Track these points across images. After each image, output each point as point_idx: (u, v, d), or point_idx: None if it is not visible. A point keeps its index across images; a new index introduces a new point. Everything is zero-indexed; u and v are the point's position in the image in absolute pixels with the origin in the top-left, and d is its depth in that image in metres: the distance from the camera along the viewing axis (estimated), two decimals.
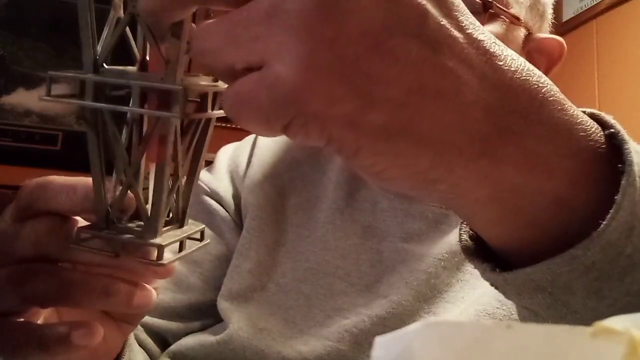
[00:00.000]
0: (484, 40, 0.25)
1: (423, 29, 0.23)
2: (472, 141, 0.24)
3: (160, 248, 0.32)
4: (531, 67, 0.27)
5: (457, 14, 0.25)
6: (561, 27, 2.20)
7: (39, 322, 0.38)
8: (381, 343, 0.18)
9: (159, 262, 0.32)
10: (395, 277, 0.59)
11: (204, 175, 0.70)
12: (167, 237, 0.33)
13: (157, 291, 0.39)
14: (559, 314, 0.29)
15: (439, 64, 0.24)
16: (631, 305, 0.29)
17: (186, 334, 0.64)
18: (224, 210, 0.68)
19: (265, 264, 0.63)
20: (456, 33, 0.24)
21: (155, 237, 0.32)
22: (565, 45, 0.69)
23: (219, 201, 0.69)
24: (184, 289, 0.66)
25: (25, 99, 2.29)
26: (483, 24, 0.59)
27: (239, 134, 0.75)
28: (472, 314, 0.55)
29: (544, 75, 0.27)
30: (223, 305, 0.62)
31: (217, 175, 0.71)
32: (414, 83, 0.23)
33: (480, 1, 0.60)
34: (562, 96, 0.27)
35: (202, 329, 0.65)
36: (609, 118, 0.29)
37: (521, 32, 0.65)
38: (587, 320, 0.27)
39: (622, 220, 0.26)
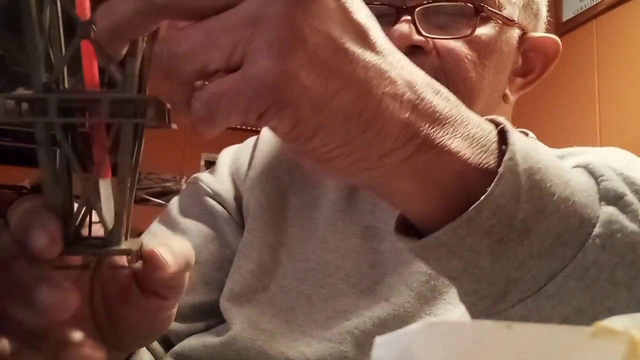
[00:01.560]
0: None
1: (367, 38, 0.30)
2: (405, 131, 0.31)
3: (133, 252, 0.34)
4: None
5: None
6: (561, 27, 2.21)
7: None
8: (381, 343, 0.18)
9: (136, 264, 0.34)
10: (395, 279, 0.60)
11: (206, 176, 0.71)
12: (131, 244, 0.34)
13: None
14: (475, 278, 0.34)
15: (381, 63, 0.31)
16: (536, 268, 0.33)
17: (190, 334, 0.64)
18: (225, 211, 0.69)
19: (266, 264, 0.64)
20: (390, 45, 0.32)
21: (120, 245, 0.34)
22: (560, 44, 0.69)
23: (221, 202, 0.69)
24: (187, 290, 0.65)
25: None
26: (475, 27, 0.61)
27: (240, 135, 0.75)
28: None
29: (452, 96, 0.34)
30: (225, 305, 0.62)
31: (218, 177, 0.71)
32: (364, 77, 0.30)
33: (471, 5, 0.61)
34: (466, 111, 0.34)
35: (205, 329, 0.65)
36: (501, 119, 0.35)
37: (515, 33, 0.66)
38: (501, 284, 0.34)
39: (506, 188, 0.31)
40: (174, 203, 0.71)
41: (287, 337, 0.59)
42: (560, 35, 2.35)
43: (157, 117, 0.31)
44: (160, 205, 2.46)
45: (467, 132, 0.33)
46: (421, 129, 0.31)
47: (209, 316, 0.65)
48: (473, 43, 0.61)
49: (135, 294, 0.39)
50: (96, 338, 0.39)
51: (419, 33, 0.61)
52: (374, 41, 0.31)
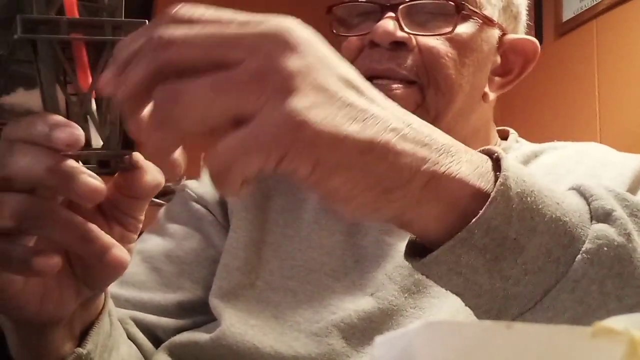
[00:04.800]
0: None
1: (356, 84, 0.34)
2: (416, 159, 0.34)
3: (129, 153, 0.40)
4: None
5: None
6: (561, 27, 2.21)
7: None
8: (382, 342, 0.18)
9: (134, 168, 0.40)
10: (379, 273, 0.62)
11: (192, 183, 0.74)
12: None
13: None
14: (475, 293, 0.37)
15: (374, 105, 0.34)
16: (532, 284, 0.35)
17: (177, 330, 0.66)
18: (211, 214, 0.71)
19: (252, 262, 0.66)
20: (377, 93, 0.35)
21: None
22: (539, 45, 0.71)
23: (206, 206, 0.72)
24: (174, 288, 0.68)
25: (25, 99, 2.29)
26: (456, 25, 0.63)
27: None
28: (459, 312, 0.56)
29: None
30: (214, 303, 0.64)
31: (204, 182, 0.74)
32: (368, 112, 0.33)
33: (452, 3, 0.63)
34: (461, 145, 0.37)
35: (192, 327, 0.67)
36: (496, 149, 0.38)
37: (495, 33, 0.68)
38: (500, 299, 0.36)
39: (498, 210, 0.34)
40: (163, 211, 0.74)
41: (275, 331, 0.60)
42: (560, 35, 2.35)
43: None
44: (160, 205, 2.46)
45: (469, 158, 0.36)
46: (430, 156, 0.34)
47: (195, 313, 0.67)
48: (454, 41, 0.64)
49: (101, 223, 0.43)
50: (67, 270, 0.43)
51: (402, 30, 0.63)
52: (362, 87, 0.34)
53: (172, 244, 0.70)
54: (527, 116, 2.22)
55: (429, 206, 0.35)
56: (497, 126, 0.78)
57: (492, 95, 0.69)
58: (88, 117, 0.40)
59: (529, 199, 0.35)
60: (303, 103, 0.31)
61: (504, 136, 0.78)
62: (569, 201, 0.38)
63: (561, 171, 0.66)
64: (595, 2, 2.07)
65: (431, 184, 0.34)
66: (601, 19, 2.06)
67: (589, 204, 0.38)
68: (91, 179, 0.37)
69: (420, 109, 0.64)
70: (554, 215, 0.36)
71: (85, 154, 0.39)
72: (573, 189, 0.40)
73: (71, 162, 0.38)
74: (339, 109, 0.32)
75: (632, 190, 0.61)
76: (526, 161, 0.69)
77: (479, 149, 0.38)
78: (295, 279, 0.64)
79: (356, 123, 0.32)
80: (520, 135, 0.79)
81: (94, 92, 0.40)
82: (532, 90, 2.18)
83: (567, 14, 2.19)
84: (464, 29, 0.64)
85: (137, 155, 0.41)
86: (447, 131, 0.66)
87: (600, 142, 0.73)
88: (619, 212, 0.37)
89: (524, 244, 0.35)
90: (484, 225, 0.34)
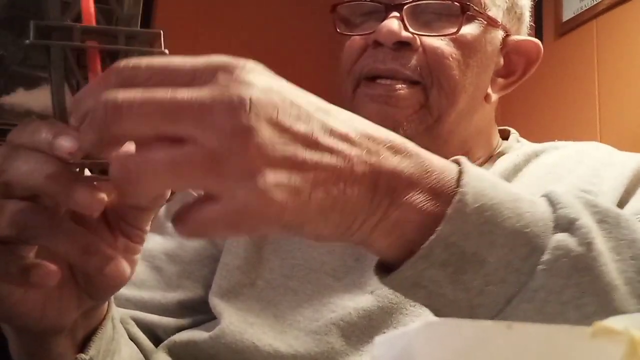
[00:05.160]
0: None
1: (314, 139, 0.34)
2: (371, 205, 0.35)
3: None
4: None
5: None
6: (561, 27, 2.20)
7: None
8: (381, 342, 0.18)
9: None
10: None
11: None
12: None
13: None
14: (442, 304, 0.38)
15: (334, 161, 0.34)
16: (494, 294, 0.37)
17: (177, 329, 0.66)
18: None
19: (252, 260, 0.66)
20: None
21: None
22: (542, 47, 0.71)
23: None
24: (174, 287, 0.68)
25: (25, 99, 2.29)
26: (461, 25, 0.63)
27: None
28: None
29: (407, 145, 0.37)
30: (214, 301, 0.64)
31: None
32: (324, 176, 0.34)
33: (458, 4, 0.63)
34: (418, 154, 0.37)
35: (192, 325, 0.67)
36: (463, 160, 0.39)
37: (499, 34, 0.68)
38: (465, 309, 0.37)
39: (455, 227, 0.35)
40: (162, 209, 0.74)
41: (275, 330, 0.61)
42: (560, 36, 2.35)
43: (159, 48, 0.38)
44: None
45: (428, 184, 0.37)
46: (384, 199, 0.36)
47: (196, 312, 0.68)
48: (458, 42, 0.64)
49: (106, 234, 0.43)
50: (69, 279, 0.43)
51: (406, 30, 0.63)
52: (322, 140, 0.34)
53: (172, 243, 0.70)
54: (527, 116, 2.22)
55: (380, 238, 0.37)
56: (497, 126, 0.78)
57: (494, 96, 0.70)
58: None
59: (487, 213, 0.36)
60: (263, 181, 0.32)
61: (504, 136, 0.78)
62: (534, 210, 0.38)
63: (562, 171, 0.66)
64: (595, 2, 2.07)
65: (382, 221, 0.36)
66: (601, 19, 2.06)
67: (555, 212, 0.39)
68: (91, 189, 0.37)
69: (424, 110, 0.64)
70: (514, 228, 0.37)
71: (88, 163, 0.39)
72: (544, 195, 0.41)
73: (72, 171, 0.38)
74: (299, 179, 0.33)
75: (630, 189, 0.61)
76: (527, 160, 0.70)
77: (450, 159, 0.39)
78: (296, 278, 0.64)
79: (316, 191, 0.33)
80: (521, 135, 0.79)
81: None
82: (532, 90, 2.18)
83: (567, 14, 2.19)
84: (469, 30, 0.64)
85: None
86: (450, 131, 0.68)
87: (601, 142, 0.73)
88: (583, 221, 0.38)
89: (484, 257, 0.36)
90: (442, 242, 0.36)
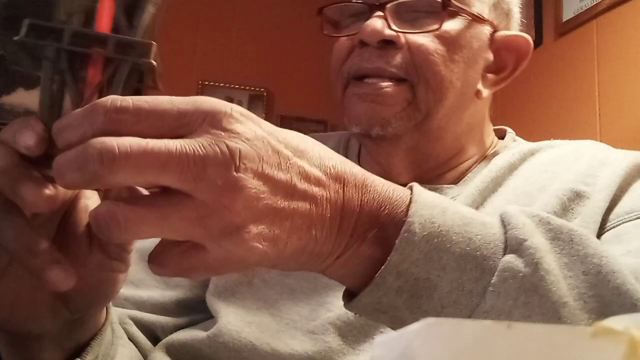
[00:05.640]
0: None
1: (295, 191, 0.35)
2: (332, 251, 0.38)
3: None
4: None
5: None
6: (561, 27, 2.20)
7: None
8: (381, 343, 0.18)
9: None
10: None
11: None
12: None
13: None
14: (402, 327, 0.36)
15: (307, 208, 0.36)
16: (450, 316, 0.38)
17: (175, 328, 0.66)
18: None
19: None
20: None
21: None
22: (531, 42, 0.71)
23: None
24: (172, 286, 0.69)
25: (25, 99, 2.29)
26: (443, 21, 0.64)
27: None
28: None
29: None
30: (211, 300, 0.65)
31: None
32: (299, 224, 0.36)
33: (439, 0, 0.64)
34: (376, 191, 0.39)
35: (191, 325, 0.67)
36: (415, 188, 0.40)
37: (485, 30, 0.68)
38: None
39: (404, 255, 0.37)
40: None
41: (272, 329, 0.61)
42: (560, 36, 2.35)
43: (154, 59, 0.37)
44: None
45: (382, 218, 0.38)
46: (344, 238, 0.38)
47: (194, 311, 0.68)
48: (442, 38, 0.64)
49: (83, 246, 0.42)
50: (44, 289, 0.42)
51: (390, 28, 0.64)
52: (299, 187, 0.36)
53: None
54: (527, 116, 2.22)
55: (342, 268, 0.39)
56: (497, 125, 0.78)
57: (485, 92, 0.69)
58: None
59: (436, 240, 0.38)
60: (246, 234, 0.33)
61: (501, 135, 0.78)
62: (485, 232, 0.39)
63: (557, 169, 0.66)
64: (595, 2, 2.07)
65: (337, 261, 0.39)
66: (601, 19, 2.06)
67: (505, 234, 0.40)
68: (39, 187, 0.36)
69: (412, 106, 0.64)
70: (463, 252, 0.38)
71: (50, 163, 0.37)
72: (499, 215, 0.42)
73: (26, 168, 0.37)
74: (280, 227, 0.35)
75: (624, 187, 0.62)
76: (522, 159, 0.70)
77: (407, 186, 0.41)
78: (292, 276, 0.64)
79: (293, 234, 0.36)
80: (520, 135, 0.79)
81: None
82: (532, 90, 2.18)
83: (567, 14, 2.19)
84: (452, 25, 0.65)
85: None
86: (440, 128, 0.68)
87: (600, 142, 0.73)
88: (532, 241, 0.39)
89: (436, 282, 0.38)
90: (393, 271, 0.37)
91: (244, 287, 0.64)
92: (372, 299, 0.39)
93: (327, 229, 0.37)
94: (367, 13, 0.65)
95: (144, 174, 0.32)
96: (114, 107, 0.33)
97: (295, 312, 0.62)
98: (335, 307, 0.61)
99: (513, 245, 0.39)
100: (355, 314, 0.42)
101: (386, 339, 0.18)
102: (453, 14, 0.65)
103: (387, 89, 0.64)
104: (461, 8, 0.65)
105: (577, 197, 0.61)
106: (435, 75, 0.64)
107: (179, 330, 0.66)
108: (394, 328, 0.41)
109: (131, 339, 0.63)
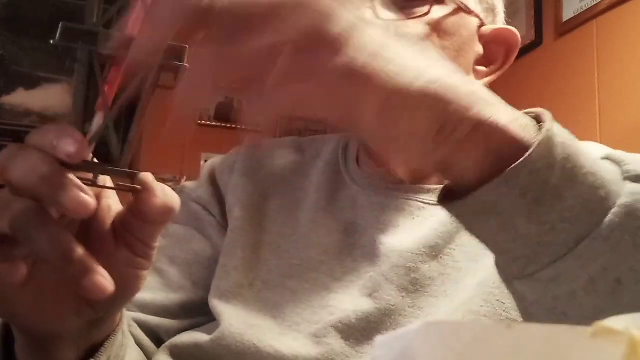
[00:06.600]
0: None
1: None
2: (457, 111, 0.36)
3: (138, 174, 0.40)
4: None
5: None
6: (561, 27, 2.20)
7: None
8: (382, 342, 0.18)
9: (137, 187, 0.40)
10: (376, 272, 0.62)
11: (191, 184, 0.75)
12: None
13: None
14: (510, 238, 0.37)
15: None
16: (566, 232, 0.36)
17: (179, 331, 0.66)
18: (210, 214, 0.72)
19: (250, 261, 0.66)
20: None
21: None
22: (518, 34, 0.72)
23: (205, 206, 0.72)
24: (175, 289, 0.69)
25: (25, 99, 2.29)
26: (431, 7, 0.65)
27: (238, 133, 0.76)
28: (457, 311, 0.57)
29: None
30: (214, 303, 0.64)
31: (202, 183, 0.75)
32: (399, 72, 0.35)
33: None
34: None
35: (194, 327, 0.67)
36: (540, 111, 0.40)
37: (473, 21, 0.69)
38: (533, 245, 0.37)
39: (543, 153, 0.36)
40: None
41: (274, 331, 0.61)
42: (560, 36, 2.35)
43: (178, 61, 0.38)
44: None
45: (510, 111, 0.37)
46: (475, 104, 0.36)
47: (197, 314, 0.68)
48: (431, 24, 0.65)
49: (110, 244, 0.42)
50: (68, 287, 0.42)
51: (378, 17, 0.64)
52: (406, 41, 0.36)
53: (172, 245, 0.70)
54: None
55: (472, 151, 0.37)
56: None
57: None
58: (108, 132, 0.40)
59: (569, 150, 0.37)
60: (359, 53, 0.34)
61: None
62: (602, 162, 0.40)
63: None
64: (595, 2, 2.07)
65: (476, 130, 0.36)
66: (601, 19, 2.06)
67: (621, 167, 0.40)
68: (80, 193, 0.36)
69: None
70: (591, 169, 0.37)
71: (88, 167, 0.38)
72: (603, 158, 0.42)
73: (67, 175, 0.37)
74: (392, 60, 0.35)
75: None
76: None
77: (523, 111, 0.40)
78: (294, 278, 0.64)
79: (409, 72, 0.35)
80: None
81: (117, 109, 0.40)
82: (532, 90, 2.18)
83: (567, 14, 2.19)
84: (440, 12, 0.66)
85: (147, 177, 0.40)
86: None
87: (600, 142, 0.73)
88: None
89: (562, 192, 0.36)
90: (528, 167, 0.36)
91: (245, 289, 0.64)
92: (493, 195, 0.36)
93: (448, 87, 0.36)
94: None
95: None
96: None
97: (296, 315, 0.62)
98: (337, 310, 0.61)
99: (632, 177, 0.39)
100: (458, 216, 0.40)
101: (386, 339, 0.18)
102: (440, 1, 0.66)
103: None
104: None
105: None
106: None
107: (182, 332, 0.66)
108: (496, 240, 0.39)
109: (136, 342, 0.63)
